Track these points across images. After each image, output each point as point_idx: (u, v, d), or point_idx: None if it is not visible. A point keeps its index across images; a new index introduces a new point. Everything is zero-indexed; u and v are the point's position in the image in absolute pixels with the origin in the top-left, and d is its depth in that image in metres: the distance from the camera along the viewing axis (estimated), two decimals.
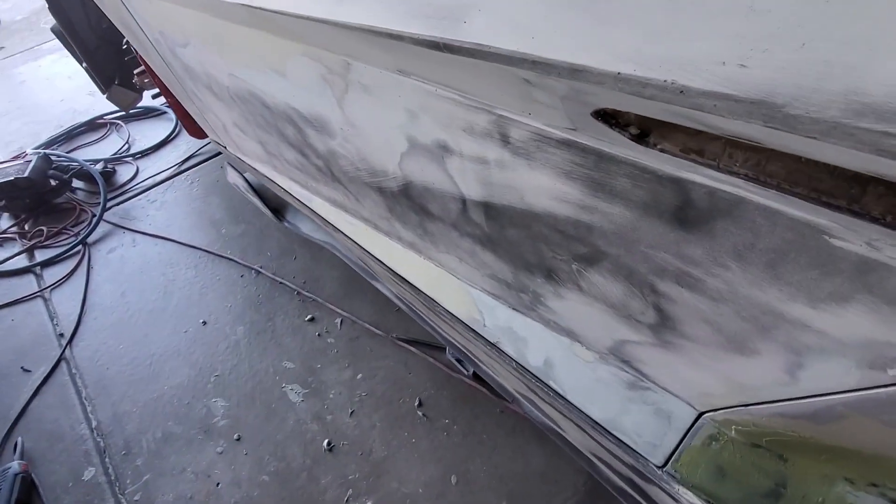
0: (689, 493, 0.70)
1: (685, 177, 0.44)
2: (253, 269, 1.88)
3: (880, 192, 0.33)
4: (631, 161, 0.46)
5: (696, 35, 0.33)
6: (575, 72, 0.39)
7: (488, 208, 0.69)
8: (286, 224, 1.53)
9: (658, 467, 0.72)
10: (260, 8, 0.69)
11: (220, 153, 1.84)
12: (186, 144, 2.48)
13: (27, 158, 2.18)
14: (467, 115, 0.59)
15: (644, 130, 0.43)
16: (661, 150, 0.42)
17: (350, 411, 1.49)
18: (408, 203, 0.85)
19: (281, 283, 1.83)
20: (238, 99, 1.04)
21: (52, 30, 1.81)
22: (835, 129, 0.29)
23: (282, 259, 1.90)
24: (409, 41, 0.52)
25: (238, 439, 1.47)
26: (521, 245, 0.70)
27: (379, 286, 1.35)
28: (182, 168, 2.36)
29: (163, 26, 1.06)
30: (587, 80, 0.39)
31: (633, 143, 0.43)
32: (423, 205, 0.82)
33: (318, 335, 1.68)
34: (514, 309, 0.86)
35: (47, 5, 1.68)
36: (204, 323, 1.76)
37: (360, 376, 1.55)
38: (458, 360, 1.47)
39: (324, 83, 0.76)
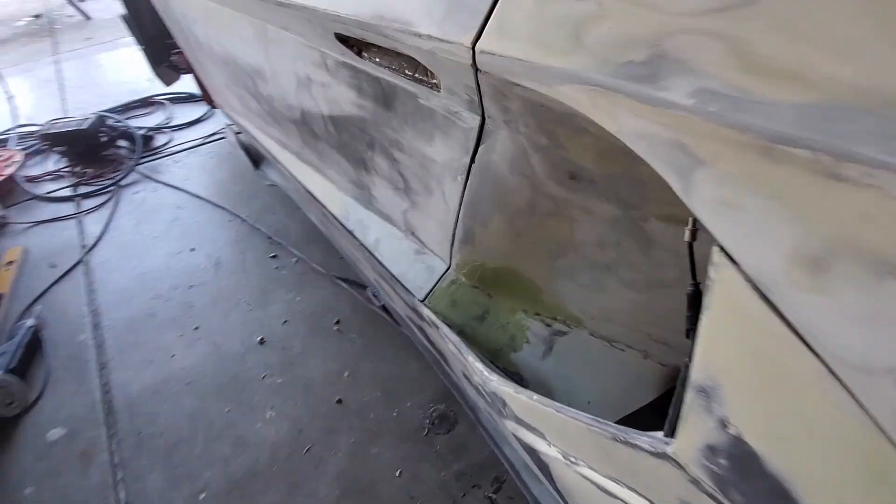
0: (433, 315, 1.08)
1: (377, 74, 0.86)
2: (239, 217, 2.36)
3: (412, 63, 0.74)
4: (360, 69, 0.89)
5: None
6: (315, 11, 0.83)
7: (333, 120, 1.12)
8: (259, 172, 2.00)
9: (420, 301, 1.11)
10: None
11: (239, 133, 2.33)
12: (212, 125, 3.03)
13: (87, 118, 2.77)
14: (312, 55, 1.03)
15: (360, 49, 0.85)
16: (366, 59, 0.84)
17: (283, 321, 1.90)
18: (306, 129, 1.29)
19: (257, 229, 2.29)
20: (223, 62, 1.52)
21: (122, 17, 2.40)
22: (384, 35, 0.71)
23: (263, 212, 2.37)
24: (275, 3, 0.96)
25: (196, 328, 1.90)
26: (350, 145, 1.12)
27: (310, 216, 1.78)
28: (205, 142, 2.90)
29: (184, 9, 1.56)
30: (325, 16, 0.83)
31: (356, 56, 0.86)
32: (311, 128, 1.25)
33: (276, 268, 2.11)
34: (360, 205, 1.27)
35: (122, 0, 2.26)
36: (192, 250, 2.23)
37: (298, 299, 1.97)
38: (374, 295, 1.87)
39: (258, 41, 1.22)
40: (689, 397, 0.44)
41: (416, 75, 0.76)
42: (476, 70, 0.57)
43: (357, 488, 1.44)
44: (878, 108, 0.32)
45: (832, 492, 0.37)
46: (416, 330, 1.24)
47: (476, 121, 0.69)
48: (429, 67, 0.68)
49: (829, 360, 0.35)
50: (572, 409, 0.64)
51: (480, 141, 0.71)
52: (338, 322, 1.87)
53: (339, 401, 1.64)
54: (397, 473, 1.46)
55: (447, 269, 1.10)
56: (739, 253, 0.38)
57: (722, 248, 0.40)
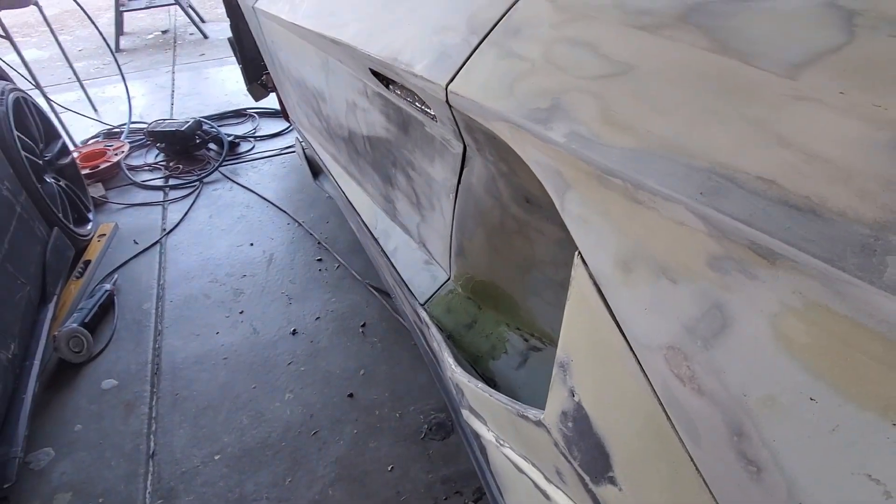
0: (427, 318, 1.21)
1: (398, 104, 1.03)
2: (297, 221, 2.61)
3: (419, 97, 0.90)
4: (388, 98, 1.06)
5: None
6: (356, 50, 1.02)
7: (370, 140, 1.30)
8: (317, 183, 2.24)
9: (421, 304, 1.25)
10: (296, 24, 1.39)
11: (305, 148, 2.61)
12: (289, 139, 3.36)
13: (187, 121, 3.18)
14: (357, 84, 1.22)
15: (387, 82, 1.03)
16: (391, 90, 1.02)
17: (316, 317, 2.09)
18: (352, 146, 1.49)
19: (311, 234, 2.52)
20: (297, 84, 1.77)
21: (229, 40, 2.78)
22: (395, 72, 0.88)
23: (318, 220, 2.62)
24: (330, 40, 1.17)
25: (241, 312, 2.13)
26: (381, 162, 1.30)
27: (351, 224, 1.97)
28: (280, 153, 3.23)
29: (271, 37, 1.84)
30: (362, 54, 1.01)
31: (385, 87, 1.03)
32: (355, 146, 1.45)
33: (319, 270, 2.33)
34: (387, 216, 1.44)
35: (229, 23, 2.64)
36: (251, 244, 2.50)
37: (333, 300, 2.16)
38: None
39: (321, 69, 1.44)
40: (555, 372, 0.55)
41: (422, 107, 0.92)
42: (449, 106, 0.72)
43: (351, 475, 1.56)
44: (667, 153, 0.44)
45: (628, 447, 0.47)
46: (418, 332, 1.38)
47: (460, 147, 0.84)
48: (426, 101, 0.83)
49: (631, 340, 0.46)
50: (499, 393, 0.75)
51: (464, 165, 0.86)
52: (363, 325, 2.03)
53: (351, 395, 1.78)
54: (389, 468, 1.57)
55: (447, 280, 1.24)
56: (588, 257, 0.50)
57: (580, 253, 0.52)
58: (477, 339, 1.16)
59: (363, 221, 1.56)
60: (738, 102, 0.43)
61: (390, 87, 1.02)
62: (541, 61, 0.60)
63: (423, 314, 1.22)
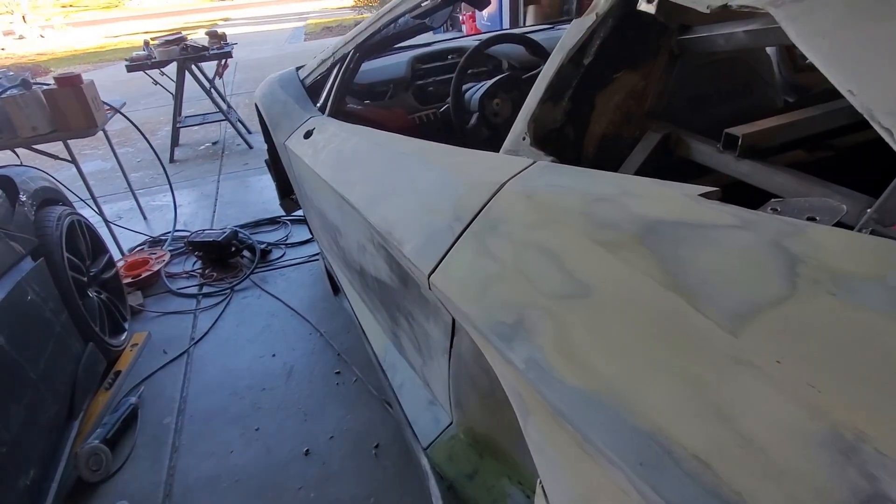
0: (428, 467, 1.18)
1: (399, 261, 1.08)
2: (318, 331, 2.66)
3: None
4: (390, 253, 1.12)
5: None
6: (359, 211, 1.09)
7: (377, 280, 1.36)
8: (337, 298, 2.30)
9: (423, 450, 1.22)
10: (314, 171, 1.51)
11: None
12: (317, 247, 3.51)
13: (224, 230, 3.38)
14: (366, 231, 1.29)
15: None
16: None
17: (330, 436, 2.06)
18: (363, 280, 1.55)
19: (331, 345, 2.56)
20: (318, 212, 1.89)
21: (266, 161, 3.01)
22: (390, 246, 0.94)
23: (339, 330, 2.66)
24: (345, 201, 1.26)
25: (256, 429, 2.13)
26: (387, 302, 1.34)
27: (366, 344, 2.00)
28: (308, 260, 3.36)
29: (298, 170, 1.99)
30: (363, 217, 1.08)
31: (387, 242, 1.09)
32: (365, 280, 1.51)
33: (337, 384, 2.33)
34: (395, 347, 1.45)
35: (266, 147, 2.87)
36: (273, 355, 2.54)
37: (348, 417, 2.14)
38: None
39: (338, 209, 1.54)
40: None
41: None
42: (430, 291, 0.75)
43: None
44: (615, 404, 0.44)
45: None
46: (420, 475, 1.34)
47: (450, 318, 0.87)
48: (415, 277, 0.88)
49: None
50: None
51: (455, 332, 0.88)
52: (377, 446, 1.99)
53: None
54: None
55: (450, 424, 1.22)
56: (547, 487, 0.50)
57: (541, 482, 0.51)
58: (478, 492, 1.12)
59: (373, 351, 1.58)
60: (683, 356, 0.44)
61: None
62: (511, 266, 0.63)
63: (424, 461, 1.20)
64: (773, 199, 0.58)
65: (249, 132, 5.87)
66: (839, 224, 0.52)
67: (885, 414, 0.34)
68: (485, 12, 8.19)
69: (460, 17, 9.71)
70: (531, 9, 6.93)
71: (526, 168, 0.80)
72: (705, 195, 0.59)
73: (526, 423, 0.53)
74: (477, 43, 2.02)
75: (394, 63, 2.47)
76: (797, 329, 0.41)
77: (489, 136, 1.86)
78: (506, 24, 7.53)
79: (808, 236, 0.48)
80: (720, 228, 0.52)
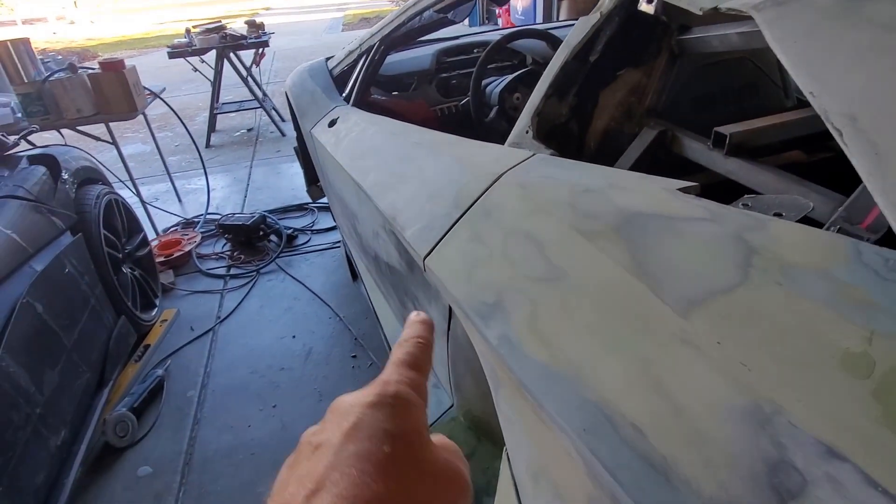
0: None
1: (406, 247, 1.12)
2: (338, 315, 2.74)
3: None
4: (398, 239, 1.16)
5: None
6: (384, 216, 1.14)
7: (389, 266, 1.40)
8: (355, 284, 2.37)
9: None
10: (335, 158, 1.57)
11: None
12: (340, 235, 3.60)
13: (254, 215, 3.49)
14: (379, 218, 1.34)
15: None
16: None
17: None
18: (377, 265, 1.60)
19: (349, 329, 2.63)
20: (339, 199, 1.95)
21: (294, 148, 3.10)
22: (395, 230, 0.99)
23: (358, 315, 2.73)
24: (360, 188, 1.31)
25: (274, 406, 2.21)
26: (396, 286, 1.38)
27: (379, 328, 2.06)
28: (332, 246, 3.45)
29: (322, 157, 2.05)
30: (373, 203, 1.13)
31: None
32: (378, 266, 1.56)
33: (353, 367, 2.40)
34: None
35: (296, 134, 2.96)
36: (293, 337, 2.63)
37: None
38: None
39: (356, 196, 1.59)
40: None
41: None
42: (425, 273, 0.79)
43: None
44: (571, 378, 0.48)
45: None
46: None
47: (446, 300, 0.91)
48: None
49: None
50: None
51: (451, 316, 0.92)
52: None
53: None
54: None
55: (450, 406, 1.26)
56: (511, 455, 0.54)
57: (506, 451, 0.55)
58: (475, 473, 1.16)
59: (385, 334, 1.63)
60: (637, 336, 0.48)
61: None
62: (498, 251, 0.67)
63: None
64: (746, 196, 0.60)
65: (283, 120, 6.01)
66: (806, 220, 0.54)
67: (803, 391, 0.36)
68: (519, 6, 8.14)
69: (496, 11, 9.67)
70: (565, 3, 6.86)
71: (525, 160, 0.83)
72: (683, 189, 0.61)
73: (497, 396, 0.57)
74: (499, 38, 2.04)
75: (420, 55, 2.51)
76: (741, 314, 0.44)
77: (508, 130, 1.89)
78: (539, 18, 7.47)
79: (769, 230, 0.50)
80: (690, 221, 0.55)
